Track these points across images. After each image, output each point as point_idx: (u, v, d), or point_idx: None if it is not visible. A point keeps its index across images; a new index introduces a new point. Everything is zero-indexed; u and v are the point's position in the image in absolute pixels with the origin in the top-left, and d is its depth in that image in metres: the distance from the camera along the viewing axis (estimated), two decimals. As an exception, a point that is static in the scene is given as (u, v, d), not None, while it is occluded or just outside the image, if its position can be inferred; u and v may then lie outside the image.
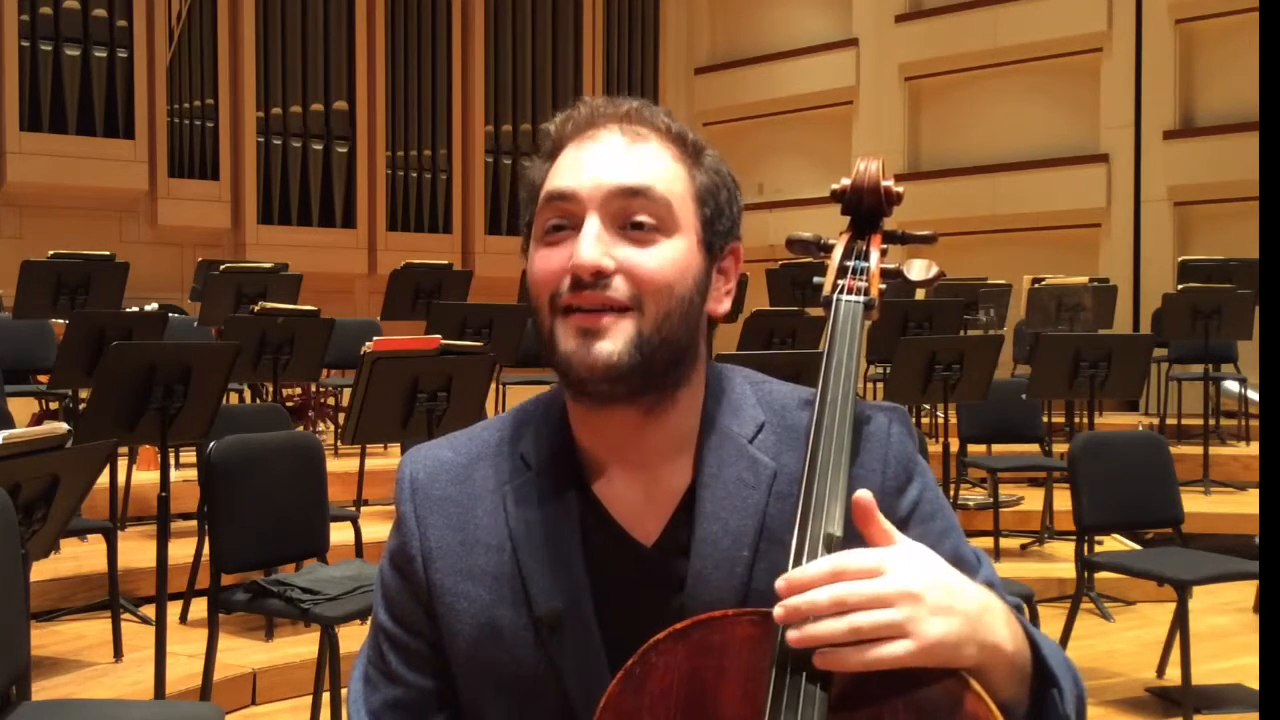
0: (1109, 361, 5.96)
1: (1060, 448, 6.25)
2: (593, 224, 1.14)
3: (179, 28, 10.97)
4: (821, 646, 1.01)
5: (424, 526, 1.23)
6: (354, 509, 5.61)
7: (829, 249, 1.26)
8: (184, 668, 4.07)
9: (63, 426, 3.27)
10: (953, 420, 6.82)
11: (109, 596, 4.53)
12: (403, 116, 12.09)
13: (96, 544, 4.83)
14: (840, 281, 1.22)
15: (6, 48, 10.03)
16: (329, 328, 6.26)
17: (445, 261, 9.04)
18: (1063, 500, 5.08)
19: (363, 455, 6.20)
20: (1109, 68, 10.54)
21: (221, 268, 7.53)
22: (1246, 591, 5.31)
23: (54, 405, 6.61)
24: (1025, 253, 10.40)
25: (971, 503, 6.77)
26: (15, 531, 2.78)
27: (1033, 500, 6.85)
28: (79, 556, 5.12)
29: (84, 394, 5.22)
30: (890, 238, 1.28)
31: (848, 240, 1.26)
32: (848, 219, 1.28)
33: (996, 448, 7.09)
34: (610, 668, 1.14)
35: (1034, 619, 3.55)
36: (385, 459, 6.62)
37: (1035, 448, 6.82)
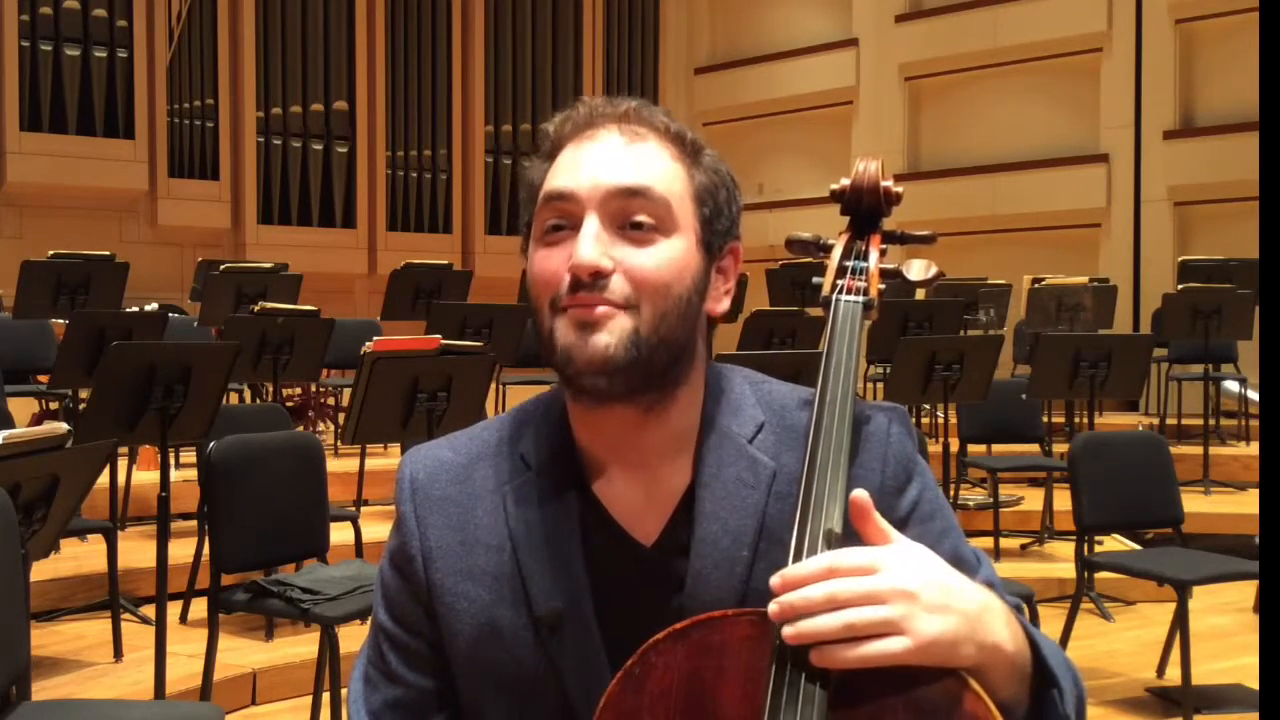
0: (1109, 361, 5.96)
1: (1060, 448, 6.25)
2: (591, 224, 1.14)
3: (179, 28, 10.97)
4: (817, 643, 1.01)
5: (424, 526, 1.23)
6: (354, 509, 5.61)
7: (828, 249, 1.26)
8: (184, 668, 4.07)
9: (63, 426, 3.27)
10: (953, 420, 6.82)
11: (109, 596, 4.53)
12: (403, 116, 12.09)
13: (96, 544, 4.83)
14: (839, 281, 1.22)
15: (6, 48, 10.03)
16: (329, 328, 6.26)
17: (445, 261, 9.05)
18: (1063, 500, 5.08)
19: (363, 455, 6.20)
20: (1109, 68, 10.54)
21: (221, 268, 7.54)
22: (1246, 591, 5.31)
23: (54, 405, 6.61)
24: (1025, 253, 10.40)
25: (971, 503, 6.77)
26: (15, 531, 2.78)
27: (1033, 500, 6.85)
28: (79, 556, 5.12)
29: (84, 394, 5.23)
30: (889, 238, 1.28)
31: (847, 240, 1.26)
32: (847, 219, 1.28)
33: (996, 448, 7.09)
34: (610, 668, 1.14)
35: (1034, 619, 3.55)
36: (385, 459, 6.62)
37: (1035, 448, 6.82)
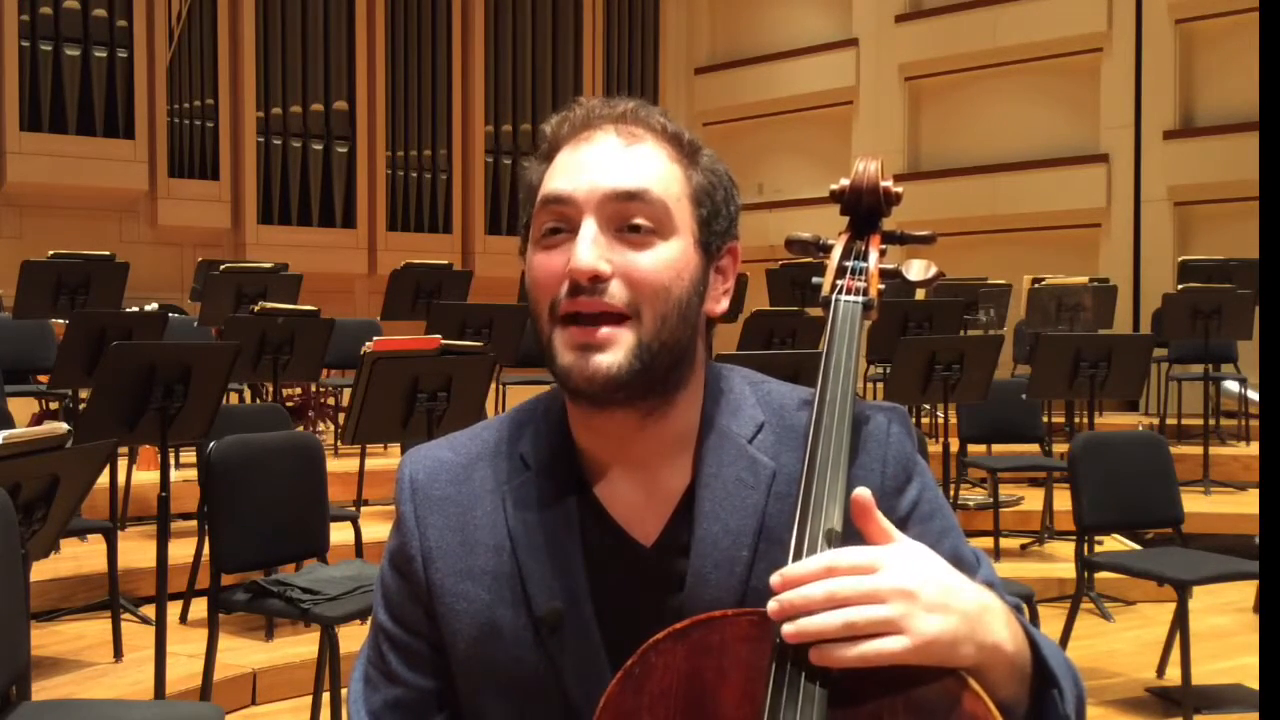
0: (1109, 361, 5.96)
1: (1060, 448, 6.25)
2: (589, 228, 1.14)
3: (179, 28, 10.97)
4: (816, 642, 1.01)
5: (424, 527, 1.23)
6: (354, 509, 5.61)
7: (828, 249, 1.26)
8: (184, 668, 4.07)
9: (63, 426, 3.27)
10: (953, 420, 6.82)
11: (109, 596, 4.53)
12: (403, 116, 12.09)
13: (96, 544, 4.83)
14: (839, 281, 1.22)
15: (6, 48, 10.03)
16: (329, 328, 6.26)
17: (445, 261, 9.05)
18: (1063, 500, 5.08)
19: (363, 455, 6.20)
20: (1109, 68, 10.54)
21: (221, 268, 7.53)
22: (1246, 591, 5.31)
23: (54, 405, 6.61)
24: (1025, 253, 10.40)
25: (971, 503, 6.77)
26: (15, 531, 2.78)
27: (1033, 500, 6.85)
28: (79, 556, 5.12)
29: (84, 394, 5.22)
30: (889, 238, 1.28)
31: (847, 240, 1.26)
32: (847, 219, 1.28)
33: (996, 448, 7.09)
34: (610, 668, 1.14)
35: (1034, 619, 3.55)
36: (385, 459, 6.62)
37: (1035, 448, 6.82)
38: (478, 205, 12.41)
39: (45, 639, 4.50)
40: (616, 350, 1.13)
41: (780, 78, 12.62)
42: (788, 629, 1.01)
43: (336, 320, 6.45)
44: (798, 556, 1.07)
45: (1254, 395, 8.07)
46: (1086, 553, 4.92)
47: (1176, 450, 5.27)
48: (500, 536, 1.21)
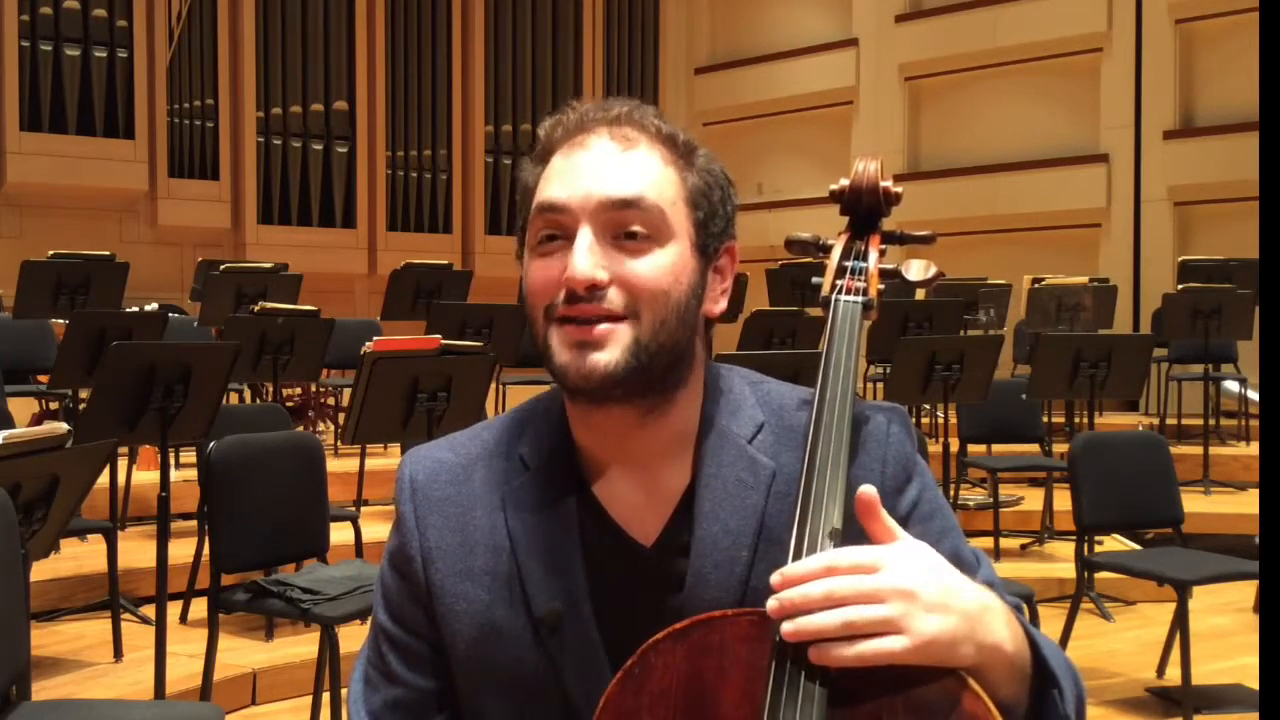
0: (1109, 361, 5.96)
1: (1060, 448, 6.25)
2: (585, 236, 1.14)
3: (179, 28, 10.97)
4: (815, 641, 1.01)
5: (423, 527, 1.23)
6: (354, 509, 5.61)
7: (828, 249, 1.26)
8: (184, 668, 4.07)
9: (63, 426, 3.27)
10: (953, 420, 6.82)
11: (109, 596, 4.52)
12: (403, 116, 12.09)
13: (96, 544, 4.83)
14: (839, 282, 1.22)
15: (6, 48, 10.03)
16: (329, 328, 6.26)
17: (445, 261, 9.05)
18: (1063, 500, 5.08)
19: (363, 455, 6.20)
20: (1109, 68, 10.54)
21: (221, 268, 7.53)
22: (1246, 591, 5.31)
23: (54, 405, 6.60)
24: (1025, 253, 10.40)
25: (971, 503, 6.77)
26: (15, 531, 2.78)
27: (1033, 500, 6.85)
28: (79, 556, 5.12)
29: (84, 394, 5.22)
30: (889, 238, 1.28)
31: (846, 240, 1.26)
32: (847, 219, 1.28)
33: (996, 448, 7.09)
34: (610, 668, 1.14)
35: (1034, 619, 3.55)
36: (385, 459, 6.62)
37: (1035, 448, 6.82)
38: (478, 205, 12.41)
39: (45, 639, 4.50)
40: (613, 348, 1.13)
41: (780, 78, 12.62)
42: (786, 627, 1.01)
43: (336, 320, 6.44)
44: (797, 556, 1.07)
45: (1254, 395, 8.07)
46: (1086, 553, 4.92)
47: (1176, 450, 5.27)
48: (500, 537, 1.21)
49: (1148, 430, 7.26)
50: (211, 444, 3.73)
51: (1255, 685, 4.04)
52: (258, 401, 7.13)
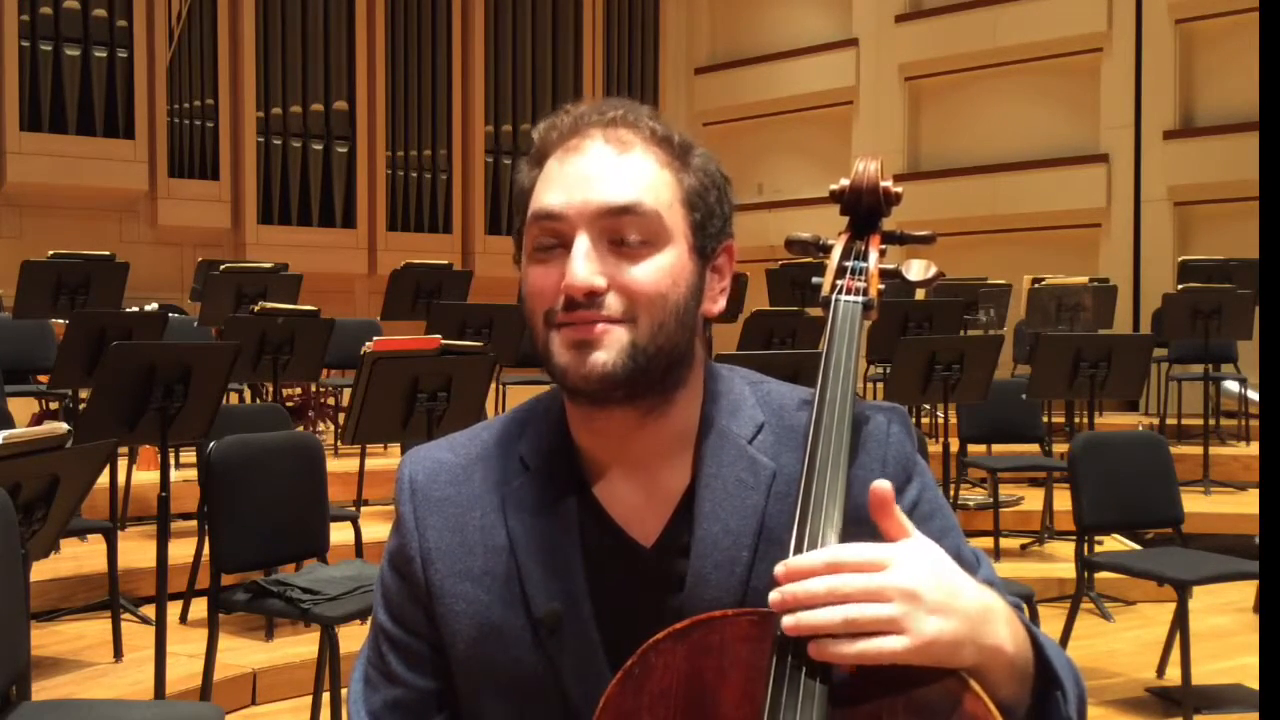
0: (1109, 361, 5.96)
1: (1060, 448, 6.25)
2: (582, 243, 1.14)
3: (179, 28, 10.97)
4: (815, 636, 1.01)
5: (423, 527, 1.23)
6: (354, 509, 5.62)
7: (828, 249, 1.26)
8: (184, 668, 4.07)
9: (63, 426, 3.27)
10: (953, 420, 6.82)
11: (109, 596, 4.52)
12: (403, 116, 12.09)
13: (96, 544, 4.83)
14: (839, 282, 1.22)
15: (6, 48, 10.03)
16: (329, 328, 6.26)
17: (445, 261, 9.05)
18: (1063, 500, 5.08)
19: (363, 455, 6.20)
20: (1109, 68, 10.54)
21: (221, 268, 7.53)
22: (1246, 591, 5.31)
23: (54, 405, 6.60)
24: (1025, 253, 10.40)
25: (971, 503, 6.77)
26: (15, 531, 2.78)
27: (1033, 500, 6.85)
28: (79, 556, 5.12)
29: (84, 394, 5.22)
30: (889, 238, 1.28)
31: (847, 240, 1.26)
32: (847, 219, 1.28)
33: (996, 448, 7.09)
34: (609, 668, 1.14)
35: (1034, 619, 3.54)
36: (385, 459, 6.62)
37: (1035, 448, 6.82)
38: (478, 205, 12.42)
39: (45, 639, 4.50)
40: (612, 348, 1.13)
41: (780, 78, 12.61)
42: (788, 621, 1.01)
43: (336, 320, 6.45)
44: (798, 555, 1.07)
45: (1254, 395, 8.07)
46: (1086, 553, 4.92)
47: (1176, 450, 5.27)
48: (499, 537, 1.21)
49: (1148, 430, 7.26)
50: (211, 444, 3.73)
51: (1255, 685, 4.04)
52: (258, 401, 7.13)
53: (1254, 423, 8.13)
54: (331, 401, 7.99)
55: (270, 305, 6.29)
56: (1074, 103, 10.75)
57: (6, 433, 3.09)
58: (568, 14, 12.87)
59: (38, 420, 6.32)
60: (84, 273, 6.67)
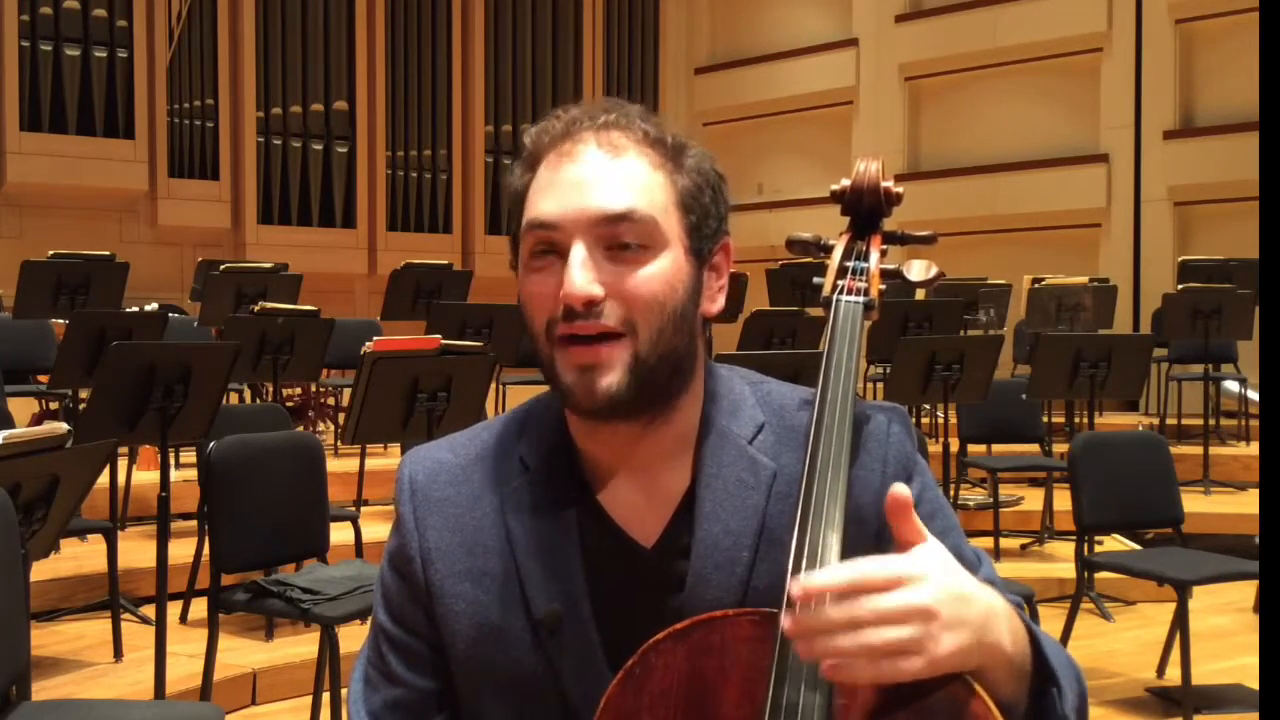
0: (1109, 361, 5.96)
1: (1060, 448, 6.25)
2: (578, 252, 1.13)
3: (179, 28, 10.97)
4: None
5: (423, 528, 1.23)
6: (354, 509, 5.61)
7: (829, 249, 1.26)
8: (184, 668, 4.07)
9: (63, 426, 3.27)
10: (953, 420, 6.82)
11: (109, 596, 4.52)
12: (403, 116, 12.09)
13: (96, 544, 4.83)
14: (840, 282, 1.22)
15: (6, 48, 10.03)
16: (329, 328, 6.26)
17: (445, 261, 9.05)
18: (1063, 500, 5.08)
19: (363, 455, 6.20)
20: (1109, 68, 10.54)
21: (221, 268, 7.53)
22: (1246, 591, 5.31)
23: (54, 405, 6.60)
24: (1025, 253, 10.40)
25: (971, 503, 6.77)
26: (15, 531, 2.78)
27: (1033, 500, 6.85)
28: (79, 556, 5.12)
29: (84, 394, 5.22)
30: (890, 238, 1.28)
31: (847, 241, 1.26)
32: (847, 219, 1.28)
33: (996, 448, 7.09)
34: (609, 669, 1.14)
35: (1034, 619, 3.54)
36: (385, 459, 6.62)
37: (1035, 448, 6.82)
38: (478, 205, 12.41)
39: (45, 639, 4.50)
40: (616, 369, 1.13)
41: (780, 78, 12.61)
42: (802, 648, 1.00)
43: (336, 320, 6.44)
44: (799, 557, 1.07)
45: (1254, 395, 8.07)
46: (1086, 553, 4.92)
47: (1176, 450, 5.27)
48: (499, 538, 1.21)
49: (1148, 430, 7.26)
50: (211, 444, 3.73)
51: (1255, 685, 4.04)
52: (258, 401, 7.13)
53: (1254, 423, 8.13)
54: (331, 401, 7.99)
55: (270, 305, 6.29)
56: (1074, 103, 10.75)
57: (6, 433, 3.09)
58: (568, 14, 12.87)
59: (38, 420, 6.32)
60: (84, 273, 6.67)
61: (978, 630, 1.02)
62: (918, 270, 1.22)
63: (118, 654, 4.35)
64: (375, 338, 4.46)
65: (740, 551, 1.17)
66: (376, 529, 5.02)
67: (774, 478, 1.19)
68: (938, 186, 11.03)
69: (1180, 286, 7.79)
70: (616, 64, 13.23)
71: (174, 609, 4.50)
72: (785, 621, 1.00)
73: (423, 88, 12.19)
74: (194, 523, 5.26)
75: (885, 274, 1.23)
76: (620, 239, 1.14)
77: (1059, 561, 6.02)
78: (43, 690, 3.92)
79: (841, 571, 1.00)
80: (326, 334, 6.25)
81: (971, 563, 1.17)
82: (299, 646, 4.52)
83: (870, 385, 8.01)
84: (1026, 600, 3.89)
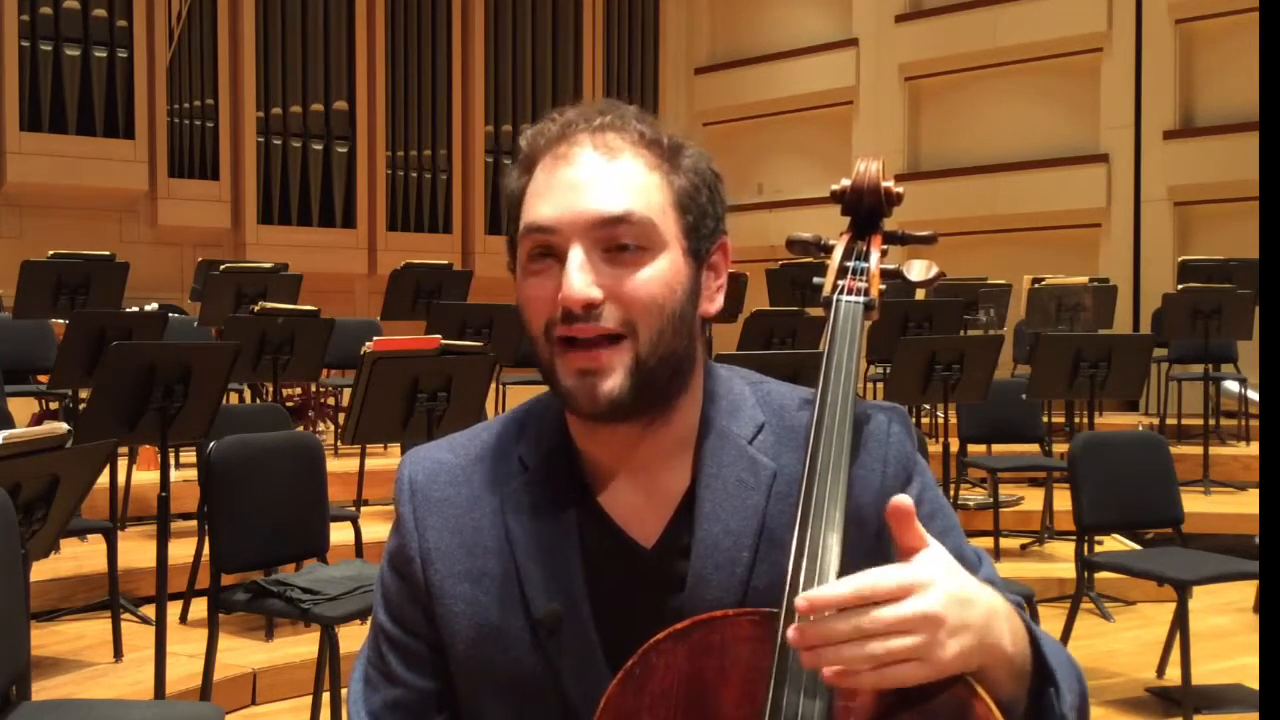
0: (1109, 361, 5.96)
1: (1060, 448, 6.25)
2: (576, 255, 1.13)
3: (179, 28, 10.97)
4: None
5: (423, 528, 1.23)
6: (354, 509, 5.61)
7: (829, 249, 1.26)
8: (184, 668, 4.07)
9: (63, 426, 3.27)
10: (953, 420, 6.82)
11: (109, 596, 4.52)
12: (403, 116, 12.09)
13: (96, 544, 4.83)
14: (840, 282, 1.22)
15: (6, 48, 10.03)
16: (329, 328, 6.26)
17: (445, 261, 9.05)
18: (1063, 500, 5.08)
19: (363, 455, 6.20)
20: (1109, 68, 10.54)
21: (221, 268, 7.53)
22: (1246, 591, 5.31)
23: (54, 405, 6.60)
24: (1025, 253, 10.40)
25: (971, 503, 6.77)
26: (15, 531, 2.78)
27: (1033, 500, 6.85)
28: (79, 556, 5.12)
29: (84, 394, 5.22)
30: (890, 238, 1.27)
31: (848, 241, 1.26)
32: (848, 219, 1.28)
33: (996, 448, 7.09)
34: (609, 669, 1.14)
35: (1034, 619, 3.54)
36: (385, 459, 6.62)
37: (1035, 448, 6.82)
38: (478, 205, 12.41)
39: (45, 639, 4.50)
40: (617, 373, 1.13)
41: (780, 78, 12.61)
42: (807, 658, 1.00)
43: (336, 320, 6.44)
44: (799, 558, 1.07)
45: (1254, 395, 8.07)
46: (1086, 553, 4.92)
47: (1176, 450, 5.27)
48: (499, 538, 1.21)
49: (1148, 430, 7.26)
50: (211, 444, 3.73)
51: (1255, 685, 4.04)
52: (258, 401, 7.13)
53: (1254, 423, 8.13)
54: (331, 401, 7.99)
55: (270, 305, 6.29)
56: (1074, 103, 10.74)
57: (6, 433, 3.09)
58: (568, 14, 12.87)
59: (38, 420, 6.31)
60: (84, 273, 6.67)
61: (980, 632, 1.02)
62: (918, 270, 1.22)
63: (118, 654, 4.35)
64: (375, 338, 4.46)
65: (740, 551, 1.17)
66: (376, 529, 5.02)
67: (774, 478, 1.19)
68: (938, 186, 11.03)
69: (1180, 286, 7.79)
70: (616, 64, 13.23)
71: (174, 609, 4.50)
72: (791, 632, 1.00)
73: (423, 88, 12.19)
74: (194, 523, 5.26)
75: (885, 274, 1.23)
76: (618, 241, 1.14)
77: (1059, 561, 6.02)
78: (43, 690, 3.92)
79: (847, 584, 1.00)
80: (326, 334, 6.25)
81: (972, 563, 1.17)
82: (299, 646, 4.52)
83: (870, 385, 8.01)
84: (1026, 600, 3.89)
